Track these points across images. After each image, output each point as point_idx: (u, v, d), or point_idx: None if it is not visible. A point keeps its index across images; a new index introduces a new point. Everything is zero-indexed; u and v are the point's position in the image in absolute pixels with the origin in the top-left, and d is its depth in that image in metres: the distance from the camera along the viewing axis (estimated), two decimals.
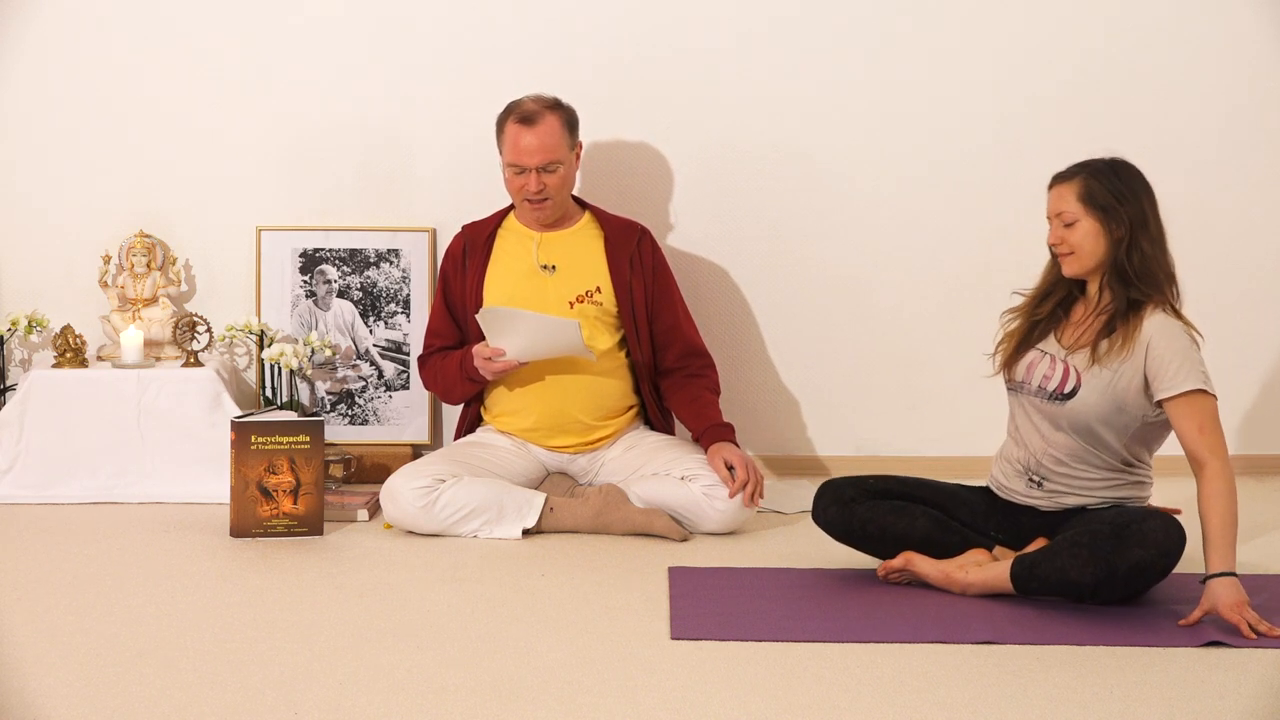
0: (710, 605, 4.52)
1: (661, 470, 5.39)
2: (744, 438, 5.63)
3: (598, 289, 5.54)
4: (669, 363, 5.64)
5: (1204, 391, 4.43)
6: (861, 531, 4.76)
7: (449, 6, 6.10)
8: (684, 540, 5.24)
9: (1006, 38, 6.16)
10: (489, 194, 5.82)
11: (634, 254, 5.59)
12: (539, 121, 5.44)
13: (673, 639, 4.23)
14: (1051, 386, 4.59)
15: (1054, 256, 4.66)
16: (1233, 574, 4.29)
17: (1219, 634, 4.23)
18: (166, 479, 5.70)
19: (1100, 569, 4.35)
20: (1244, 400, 6.30)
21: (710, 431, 5.50)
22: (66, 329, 5.85)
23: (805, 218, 6.21)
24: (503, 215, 5.66)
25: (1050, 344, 4.66)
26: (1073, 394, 4.54)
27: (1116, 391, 4.50)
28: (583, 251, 5.60)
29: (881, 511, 4.74)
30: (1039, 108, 6.18)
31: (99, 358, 5.96)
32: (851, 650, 4.14)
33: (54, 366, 5.82)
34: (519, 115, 5.47)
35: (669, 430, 5.69)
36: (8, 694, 3.78)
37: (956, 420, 6.20)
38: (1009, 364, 4.73)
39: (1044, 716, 3.68)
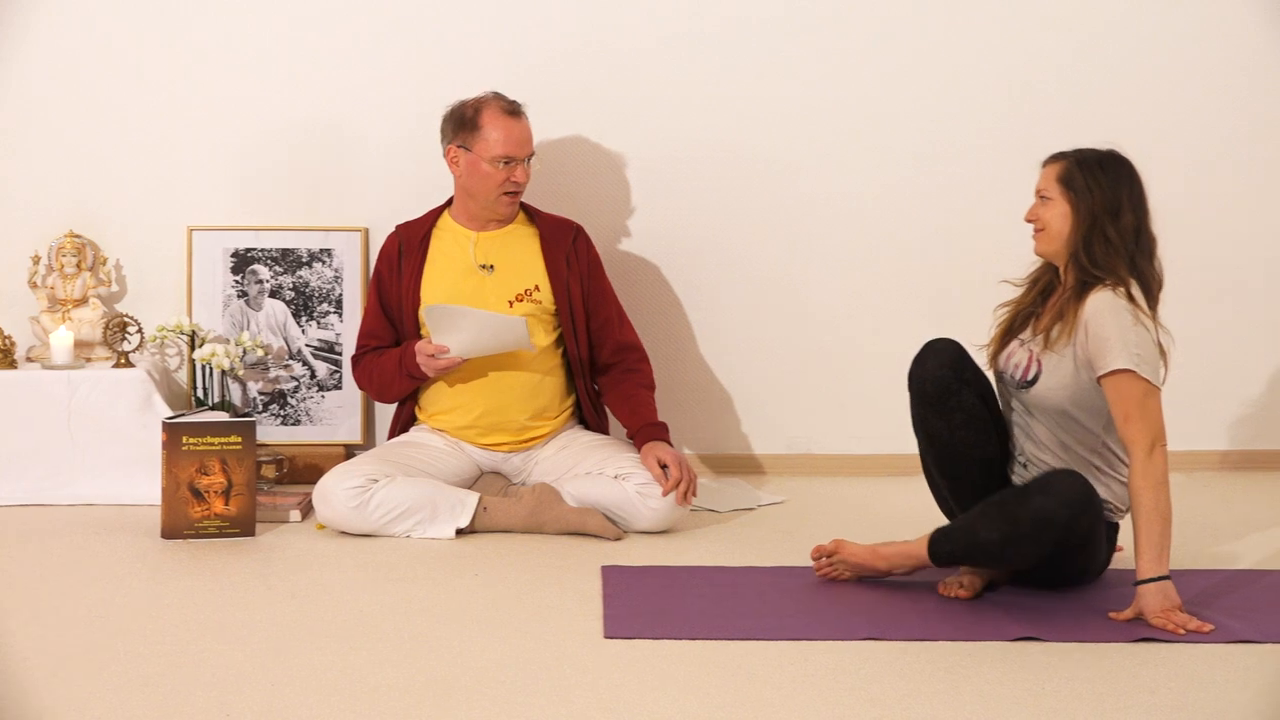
0: (643, 604, 4.52)
1: (595, 469, 5.38)
2: (677, 435, 5.64)
3: (536, 288, 5.54)
4: (604, 358, 5.64)
5: (1132, 373, 4.37)
6: (948, 414, 4.65)
7: (381, 7, 6.08)
8: (617, 539, 5.23)
9: (943, 40, 6.18)
10: (422, 193, 5.82)
11: (570, 252, 5.59)
12: (520, 114, 5.50)
13: (606, 638, 4.23)
14: (1018, 375, 4.61)
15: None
16: (1164, 578, 4.31)
17: (1150, 630, 4.25)
18: (97, 480, 5.66)
19: (1006, 524, 4.37)
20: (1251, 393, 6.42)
21: (644, 430, 5.51)
22: None
23: (739, 217, 6.22)
24: (437, 214, 5.65)
25: (1028, 333, 4.67)
26: (1035, 380, 4.55)
27: (1072, 374, 4.50)
28: (520, 250, 5.59)
29: (977, 417, 4.66)
30: (976, 110, 6.21)
31: (28, 359, 5.92)
32: (784, 647, 4.15)
33: None
34: (505, 107, 5.49)
35: (603, 429, 5.69)
36: None
37: (886, 419, 6.20)
38: (995, 356, 4.73)
39: (976, 712, 3.70)
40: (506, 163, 5.46)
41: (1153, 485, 4.32)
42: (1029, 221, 4.64)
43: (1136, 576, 4.32)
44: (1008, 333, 4.72)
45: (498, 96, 5.51)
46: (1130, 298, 4.45)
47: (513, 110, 5.48)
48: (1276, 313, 6.33)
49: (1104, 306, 4.43)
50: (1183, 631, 4.21)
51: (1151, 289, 4.53)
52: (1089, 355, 4.45)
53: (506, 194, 5.50)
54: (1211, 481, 6.14)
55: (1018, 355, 4.63)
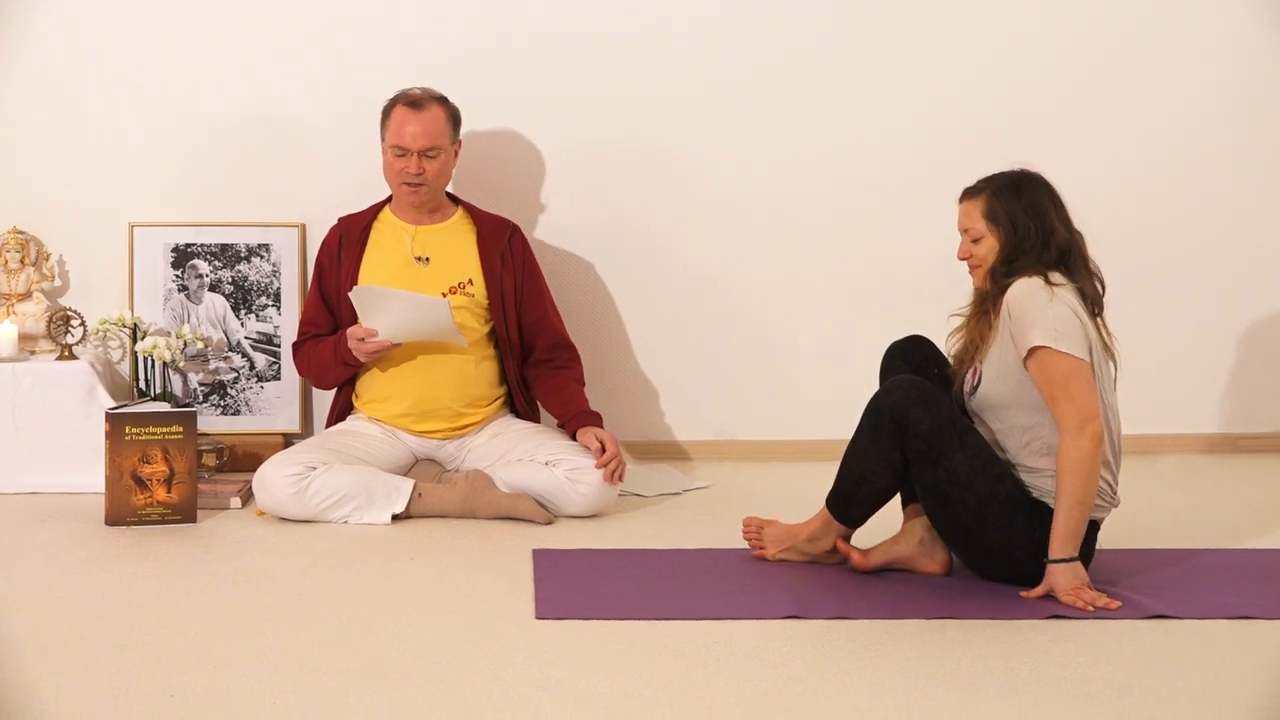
0: (573, 585, 4.55)
1: (526, 456, 5.41)
2: (607, 423, 5.66)
3: (470, 281, 5.56)
4: (537, 354, 5.67)
5: (1049, 349, 4.36)
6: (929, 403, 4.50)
7: (320, 8, 6.09)
8: (548, 523, 5.26)
9: (852, 39, 6.24)
10: (358, 190, 5.82)
11: (505, 250, 5.62)
12: (425, 108, 5.49)
13: (537, 618, 4.25)
14: (966, 387, 4.59)
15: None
16: (1074, 559, 4.36)
17: (1060, 608, 4.31)
18: (42, 469, 5.65)
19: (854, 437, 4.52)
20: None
21: (578, 417, 5.55)
22: None
23: (667, 214, 6.25)
24: (378, 209, 5.67)
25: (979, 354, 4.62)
26: (978, 385, 4.55)
27: (1008, 370, 4.49)
28: (456, 245, 5.62)
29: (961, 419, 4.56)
30: (887, 106, 6.27)
31: None
32: (710, 626, 4.18)
33: None
34: (407, 100, 5.51)
35: (534, 418, 5.72)
36: None
37: (807, 405, 6.27)
38: (958, 384, 4.65)
39: (895, 687, 3.74)
40: (401, 154, 5.49)
41: (1072, 469, 4.32)
42: (963, 259, 4.62)
43: (1049, 556, 4.37)
44: (960, 360, 4.66)
45: (412, 90, 5.54)
46: (1047, 280, 4.44)
47: (413, 103, 5.49)
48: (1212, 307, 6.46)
49: (1021, 291, 4.43)
50: (1091, 609, 4.28)
51: (1096, 294, 4.53)
52: (1015, 343, 4.45)
53: (405, 184, 5.52)
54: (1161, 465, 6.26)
55: (967, 374, 4.61)
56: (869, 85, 6.25)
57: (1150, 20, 6.28)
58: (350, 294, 5.39)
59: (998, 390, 4.51)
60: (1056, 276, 4.46)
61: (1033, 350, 4.39)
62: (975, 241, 4.57)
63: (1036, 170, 4.60)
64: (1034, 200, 4.52)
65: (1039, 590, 4.38)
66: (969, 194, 4.62)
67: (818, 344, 6.25)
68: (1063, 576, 4.35)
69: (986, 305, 4.57)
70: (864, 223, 6.26)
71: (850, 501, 4.61)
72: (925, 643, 4.08)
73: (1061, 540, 4.37)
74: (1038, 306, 4.40)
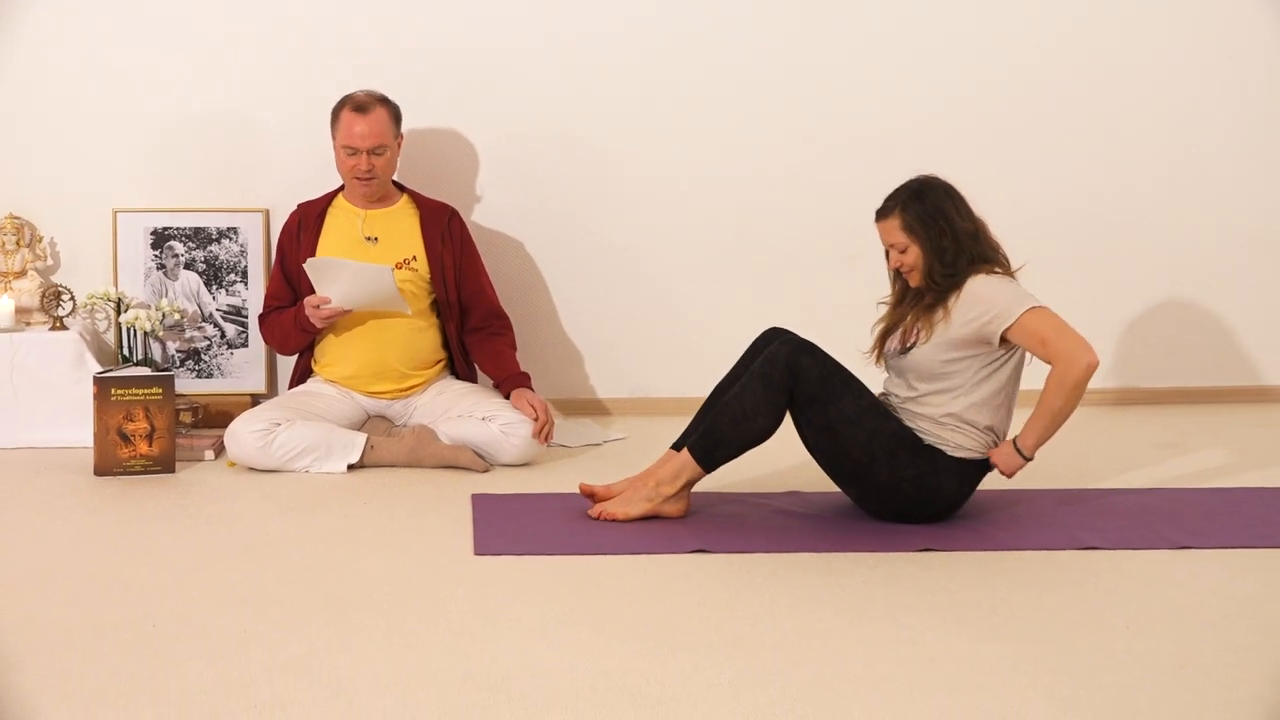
0: (507, 526, 4.54)
1: (466, 412, 5.40)
2: (536, 383, 5.66)
3: (414, 258, 5.54)
4: (474, 322, 5.65)
5: (1035, 309, 4.44)
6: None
7: (281, 13, 6.03)
8: (485, 471, 5.25)
9: (755, 30, 6.23)
10: (316, 179, 5.77)
11: (445, 231, 5.60)
12: (370, 111, 5.44)
13: (476, 555, 4.26)
14: (896, 345, 4.61)
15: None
16: (1029, 459, 4.53)
17: (931, 542, 4.34)
18: (37, 427, 5.60)
19: (740, 383, 4.51)
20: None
21: (511, 379, 5.54)
22: None
23: (587, 198, 6.22)
24: (332, 196, 5.64)
25: (904, 328, 4.64)
26: (911, 348, 4.56)
27: (940, 348, 4.51)
28: (401, 227, 5.59)
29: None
30: (788, 98, 6.27)
31: None
32: (627, 560, 4.20)
33: None
34: (353, 104, 5.46)
35: (472, 379, 5.70)
36: None
37: (711, 366, 6.21)
38: (878, 354, 4.71)
39: (789, 611, 3.77)
40: (353, 153, 5.46)
41: (1059, 387, 4.43)
42: (898, 269, 4.63)
43: (1020, 445, 4.51)
44: (884, 336, 4.71)
45: (357, 94, 5.49)
46: (997, 272, 4.54)
47: (359, 107, 5.45)
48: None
49: (982, 284, 4.50)
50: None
51: (1008, 269, 4.59)
52: (976, 327, 4.47)
53: (357, 178, 5.50)
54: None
55: (894, 339, 4.64)
56: (768, 81, 6.25)
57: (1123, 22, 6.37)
58: (305, 264, 5.36)
59: (929, 357, 4.52)
60: (995, 269, 4.55)
61: (1020, 318, 4.44)
62: (902, 252, 4.58)
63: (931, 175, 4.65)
64: (935, 203, 4.55)
65: (998, 461, 4.55)
66: (882, 214, 4.63)
67: (719, 312, 6.25)
68: (1012, 460, 4.52)
69: (929, 298, 4.57)
70: (761, 208, 6.27)
71: (722, 442, 4.53)
72: (815, 573, 4.10)
73: (1034, 442, 4.51)
74: (1003, 289, 4.50)
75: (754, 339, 4.79)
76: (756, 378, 4.48)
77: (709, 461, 4.56)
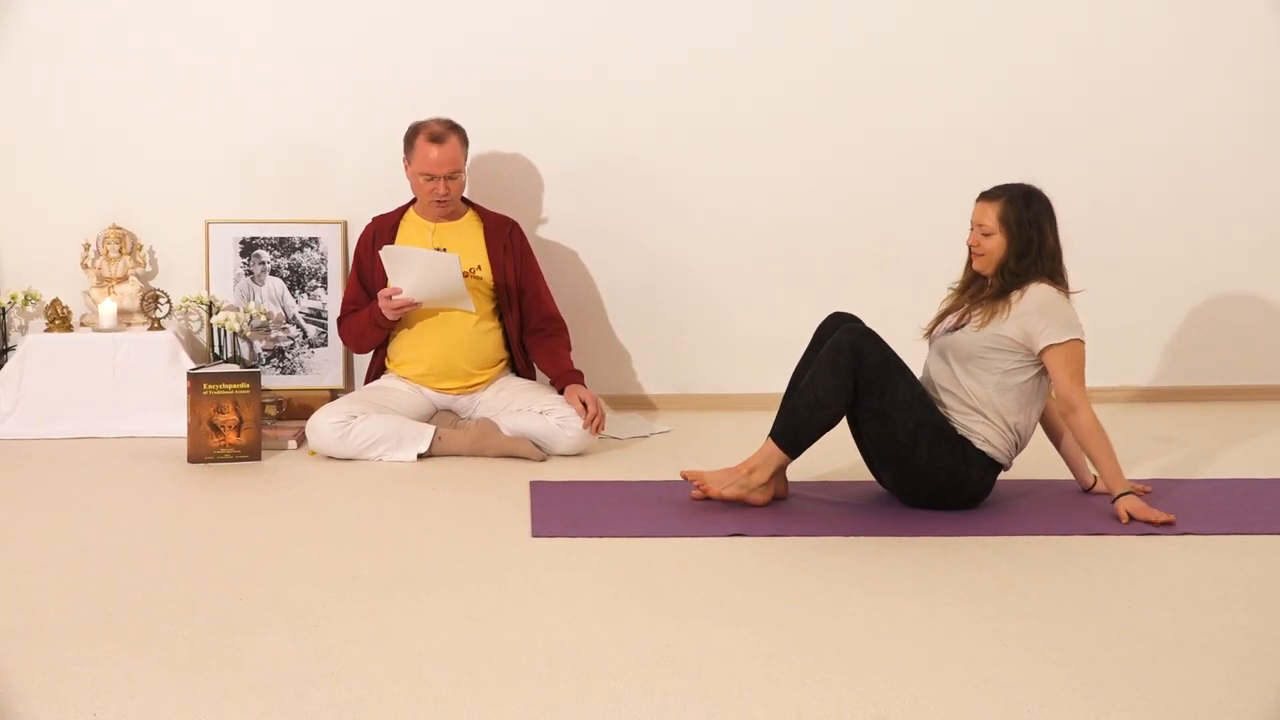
0: (563, 510, 4.54)
1: (525, 407, 5.39)
2: (588, 380, 5.65)
3: (479, 267, 5.54)
4: (533, 325, 5.65)
5: (1077, 341, 4.43)
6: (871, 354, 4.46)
7: (361, 41, 6.06)
8: (543, 461, 5.25)
9: (810, 40, 6.21)
10: (388, 194, 5.80)
11: (506, 242, 5.60)
12: (445, 140, 5.43)
13: (533, 536, 4.25)
14: (949, 325, 4.59)
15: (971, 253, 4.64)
16: (1129, 492, 4.43)
17: (946, 530, 4.31)
18: (136, 418, 5.63)
19: (812, 371, 4.44)
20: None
21: (565, 376, 5.53)
22: (55, 301, 5.78)
23: (636, 213, 6.22)
24: (404, 209, 5.64)
25: (960, 314, 4.62)
26: (960, 328, 4.54)
27: (987, 339, 4.48)
28: (467, 238, 5.59)
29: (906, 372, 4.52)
30: (819, 104, 6.25)
31: (81, 324, 5.89)
32: (672, 542, 4.18)
33: (45, 331, 5.76)
34: (429, 134, 5.44)
35: (531, 377, 5.70)
36: (10, 591, 3.75)
37: (750, 365, 6.25)
38: (931, 330, 4.68)
39: (819, 590, 3.76)
40: (430, 179, 5.46)
41: (1094, 432, 4.43)
42: (971, 246, 4.60)
43: (1112, 493, 4.43)
44: (942, 316, 4.68)
45: (432, 124, 5.47)
46: (1059, 288, 4.50)
47: (435, 137, 5.43)
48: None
49: (1047, 296, 4.47)
50: (1157, 523, 4.34)
51: (1063, 279, 4.55)
52: (1027, 331, 4.45)
53: (435, 201, 5.50)
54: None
55: (949, 320, 4.63)
56: (802, 111, 6.23)
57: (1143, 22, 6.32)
58: (380, 251, 5.36)
59: (974, 341, 4.49)
60: (1062, 286, 4.52)
61: (1066, 342, 4.43)
62: (986, 235, 4.55)
63: (1039, 186, 4.60)
64: (1037, 213, 4.53)
65: (1124, 517, 4.39)
66: (988, 196, 4.59)
67: (757, 315, 6.24)
68: (1129, 503, 4.41)
69: (994, 290, 4.55)
70: (795, 221, 6.25)
71: (802, 429, 4.49)
72: (845, 555, 4.08)
73: (1113, 480, 4.45)
74: (1063, 308, 4.48)
75: (819, 323, 4.72)
76: (825, 364, 4.43)
77: (794, 448, 4.53)
